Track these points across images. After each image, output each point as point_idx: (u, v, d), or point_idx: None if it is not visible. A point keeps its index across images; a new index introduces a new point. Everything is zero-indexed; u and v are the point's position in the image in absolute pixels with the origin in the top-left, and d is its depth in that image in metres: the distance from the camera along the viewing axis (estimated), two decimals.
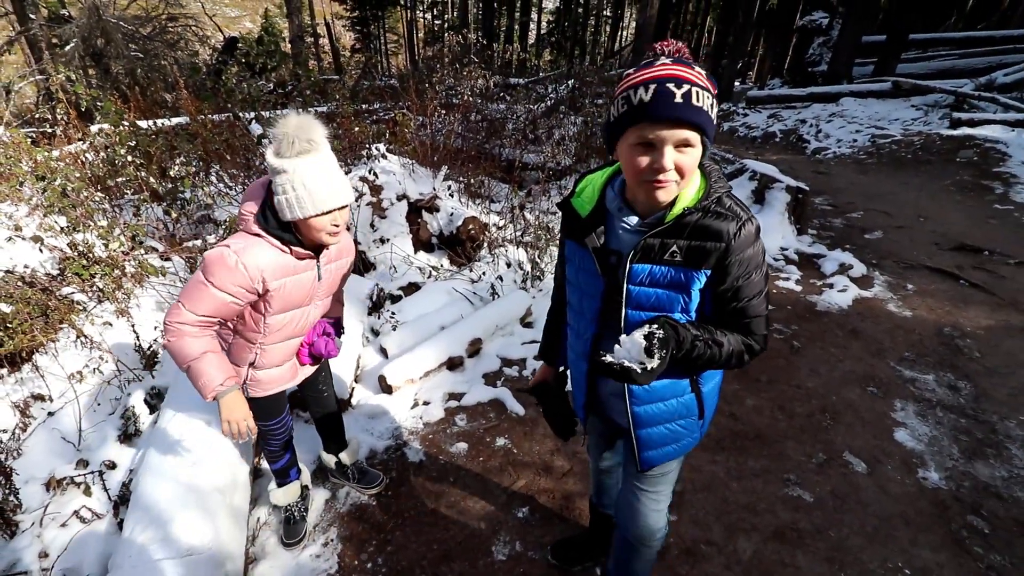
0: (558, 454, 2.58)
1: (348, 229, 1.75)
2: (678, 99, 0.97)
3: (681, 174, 1.04)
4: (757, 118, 13.12)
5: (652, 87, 0.98)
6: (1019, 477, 2.43)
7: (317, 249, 1.59)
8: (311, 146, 1.42)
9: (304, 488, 2.19)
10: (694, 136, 1.01)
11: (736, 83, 18.25)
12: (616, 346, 1.05)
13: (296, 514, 2.12)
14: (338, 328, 1.97)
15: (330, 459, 2.30)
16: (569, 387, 1.58)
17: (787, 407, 2.91)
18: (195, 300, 1.46)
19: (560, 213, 1.34)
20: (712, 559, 2.04)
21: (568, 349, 1.50)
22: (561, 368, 1.67)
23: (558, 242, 1.48)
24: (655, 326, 1.05)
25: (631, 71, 1.04)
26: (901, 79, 11.70)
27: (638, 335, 1.04)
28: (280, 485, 2.09)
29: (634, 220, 1.16)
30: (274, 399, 1.91)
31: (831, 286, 4.32)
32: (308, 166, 1.41)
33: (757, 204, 5.38)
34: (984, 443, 2.65)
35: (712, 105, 1.01)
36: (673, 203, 1.11)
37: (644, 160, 1.04)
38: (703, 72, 1.02)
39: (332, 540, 2.12)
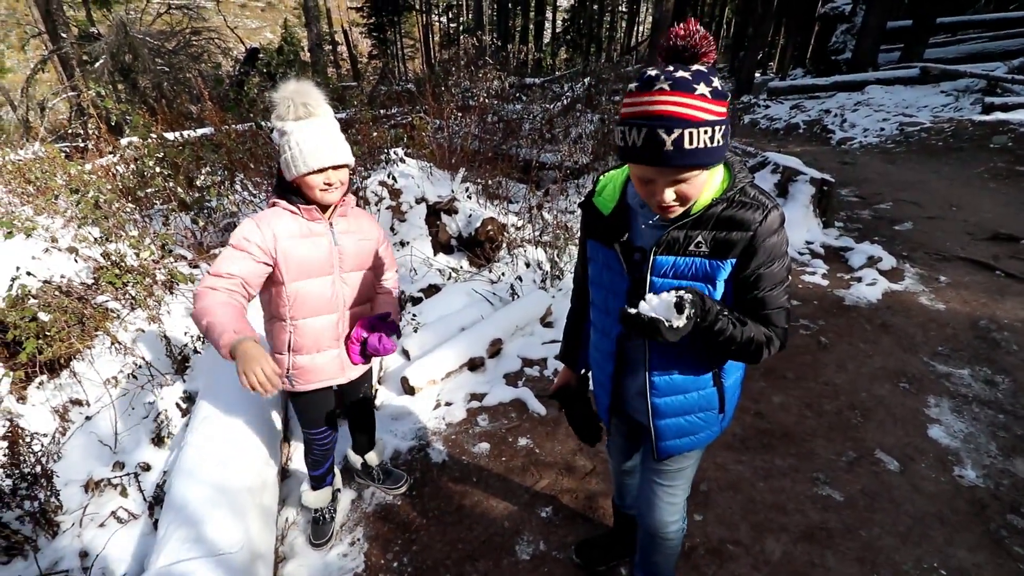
0: (580, 454, 2.57)
1: (353, 193, 1.86)
2: (668, 147, 0.94)
3: (685, 201, 1.05)
4: (779, 109, 12.87)
5: (644, 131, 0.95)
6: None
7: (323, 208, 1.69)
8: (308, 110, 1.53)
9: (335, 491, 2.24)
10: (689, 173, 1.00)
11: (757, 74, 17.91)
12: (642, 302, 1.03)
13: (326, 515, 2.17)
14: (393, 329, 1.92)
15: (356, 459, 2.35)
16: (592, 388, 1.58)
17: (815, 404, 2.85)
18: (217, 263, 1.56)
19: (580, 212, 1.34)
20: (739, 559, 2.02)
21: (592, 349, 1.50)
22: (583, 371, 1.66)
23: (578, 242, 1.48)
24: (683, 292, 1.04)
25: (633, 88, 0.99)
26: (929, 64, 11.35)
27: (666, 294, 1.03)
28: (314, 488, 2.14)
29: (655, 216, 1.16)
30: (321, 404, 1.94)
31: (859, 280, 4.21)
32: (305, 128, 1.52)
33: (780, 197, 5.27)
34: None
35: (714, 134, 0.96)
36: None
37: (644, 191, 1.06)
38: (709, 87, 0.94)
39: (359, 539, 2.15)
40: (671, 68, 0.96)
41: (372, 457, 2.32)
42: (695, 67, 0.96)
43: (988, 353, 3.23)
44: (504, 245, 4.37)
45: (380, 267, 1.96)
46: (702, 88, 0.93)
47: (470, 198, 4.79)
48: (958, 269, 4.34)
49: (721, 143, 0.98)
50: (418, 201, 4.39)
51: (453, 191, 4.65)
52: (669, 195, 1.03)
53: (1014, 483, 2.31)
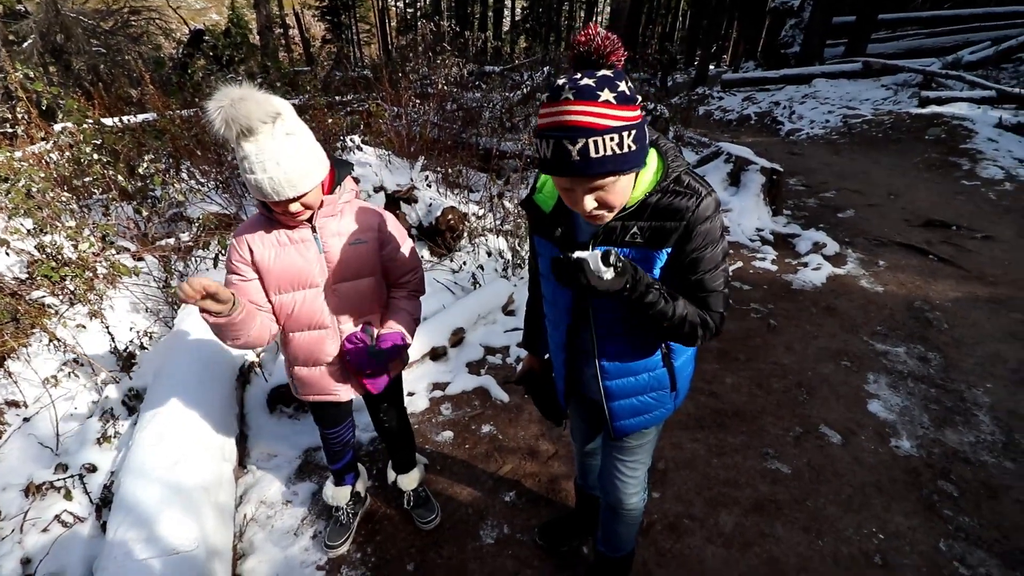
0: (543, 438, 2.61)
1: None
2: (574, 156, 0.95)
3: (610, 208, 1.05)
4: (732, 101, 13.24)
5: (551, 143, 0.96)
6: (986, 442, 2.54)
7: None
8: (250, 133, 1.25)
9: (356, 494, 2.15)
10: (604, 180, 0.99)
11: (711, 66, 18.34)
12: (577, 253, 1.05)
13: (343, 518, 2.09)
14: (386, 348, 1.57)
15: (391, 475, 2.21)
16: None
17: (765, 384, 2.99)
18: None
19: (525, 212, 1.33)
20: (695, 533, 2.10)
21: (548, 339, 1.53)
22: (546, 356, 1.69)
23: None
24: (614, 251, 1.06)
25: (544, 99, 1.01)
26: (871, 59, 11.91)
27: (597, 250, 1.04)
28: (336, 485, 2.08)
29: None
30: (329, 410, 1.86)
31: (806, 265, 4.41)
32: (252, 154, 1.26)
33: (733, 186, 5.45)
34: (953, 411, 2.75)
35: (622, 140, 0.95)
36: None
37: (567, 199, 1.07)
38: (614, 92, 0.94)
39: (320, 532, 2.12)
40: (577, 76, 0.96)
41: (405, 481, 2.13)
42: (601, 72, 0.96)
43: (921, 332, 3.45)
44: (465, 234, 4.35)
45: (390, 270, 1.66)
46: (606, 95, 0.94)
47: (430, 187, 4.73)
48: (895, 254, 4.61)
49: (632, 148, 0.97)
50: (376, 190, 4.31)
51: (412, 179, 4.59)
52: (589, 203, 1.03)
53: (944, 452, 2.49)
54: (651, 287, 1.09)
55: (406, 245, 1.67)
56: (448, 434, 2.65)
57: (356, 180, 1.71)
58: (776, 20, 16.96)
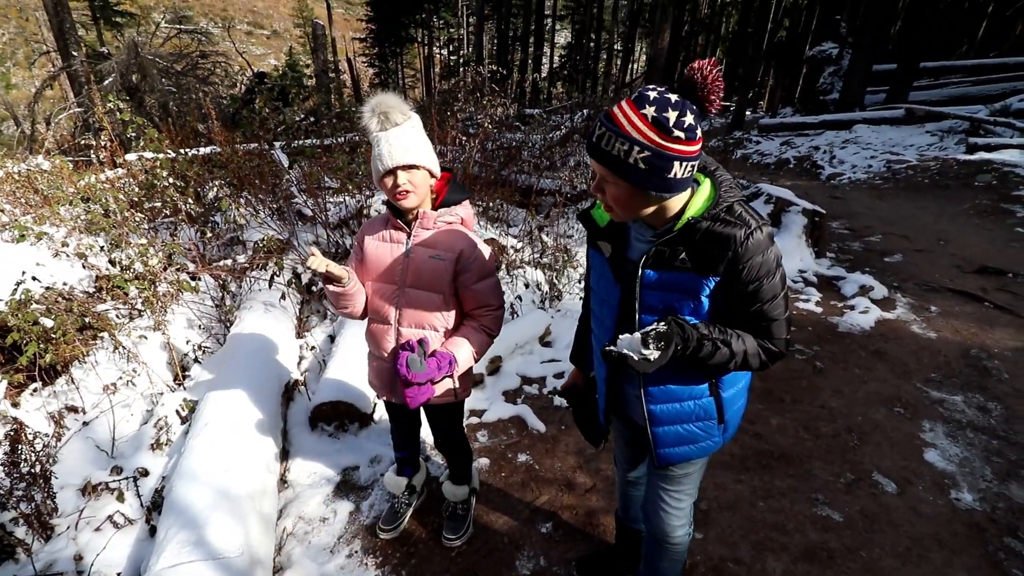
0: (580, 471, 2.57)
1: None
2: (594, 139, 1.09)
3: (613, 205, 1.16)
4: (770, 145, 13.21)
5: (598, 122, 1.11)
6: None
7: (409, 224, 1.70)
8: (390, 119, 1.55)
9: (411, 487, 2.25)
10: (607, 173, 1.10)
11: (748, 112, 18.44)
12: (619, 339, 1.14)
13: (398, 505, 2.23)
14: (438, 359, 1.61)
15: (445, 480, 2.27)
16: None
17: (812, 427, 2.88)
18: None
19: (579, 237, 1.41)
20: None
21: (593, 354, 1.55)
22: (591, 373, 1.70)
23: (581, 257, 1.56)
24: (661, 323, 1.12)
25: None
26: (914, 106, 11.76)
27: (637, 332, 1.12)
28: (396, 474, 2.24)
29: (647, 231, 1.23)
30: (390, 404, 2.02)
31: (852, 308, 4.29)
32: (385, 137, 1.55)
33: (773, 227, 5.39)
34: (1018, 464, 2.58)
35: (632, 152, 1.03)
36: (682, 212, 1.16)
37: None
38: (660, 113, 1.01)
39: (356, 552, 2.12)
40: (658, 88, 1.05)
41: (450, 490, 2.18)
42: (674, 96, 1.04)
43: (980, 381, 3.28)
44: (503, 266, 4.43)
45: (465, 298, 1.74)
46: (650, 111, 1.02)
47: None
48: (948, 300, 4.44)
49: (639, 166, 1.04)
50: None
51: None
52: (597, 182, 1.15)
53: (1010, 507, 2.33)
54: (704, 340, 1.14)
55: (485, 281, 1.74)
56: (484, 461, 2.63)
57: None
58: (813, 68, 17.01)
